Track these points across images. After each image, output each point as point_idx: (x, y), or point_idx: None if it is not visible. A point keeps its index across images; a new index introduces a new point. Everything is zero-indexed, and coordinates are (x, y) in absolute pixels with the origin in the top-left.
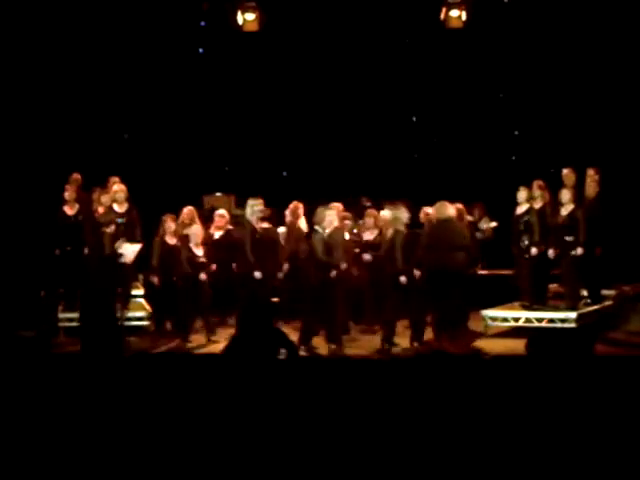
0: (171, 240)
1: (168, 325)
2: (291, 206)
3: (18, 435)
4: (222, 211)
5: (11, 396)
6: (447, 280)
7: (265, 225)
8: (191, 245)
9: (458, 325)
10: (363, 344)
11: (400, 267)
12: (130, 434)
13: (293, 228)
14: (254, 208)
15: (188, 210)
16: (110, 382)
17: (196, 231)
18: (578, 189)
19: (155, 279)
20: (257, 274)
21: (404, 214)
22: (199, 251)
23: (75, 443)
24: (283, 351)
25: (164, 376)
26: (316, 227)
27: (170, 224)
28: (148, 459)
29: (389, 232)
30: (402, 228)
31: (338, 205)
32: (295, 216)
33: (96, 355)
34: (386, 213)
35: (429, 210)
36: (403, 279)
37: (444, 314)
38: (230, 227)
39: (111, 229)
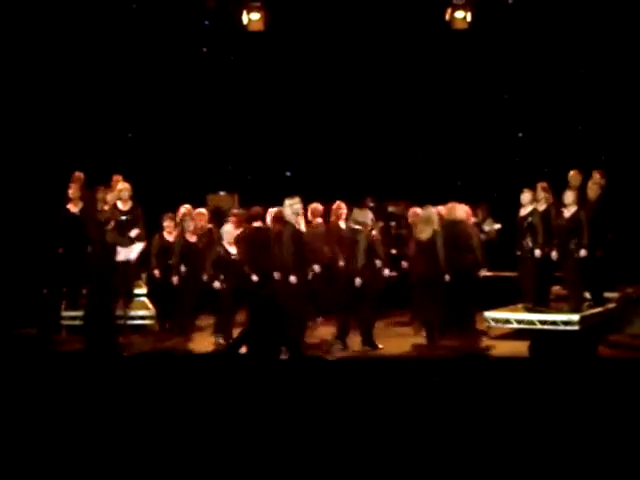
0: (192, 238)
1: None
2: (334, 206)
3: (19, 432)
4: (201, 210)
5: (12, 393)
6: (456, 281)
7: (258, 224)
8: (224, 243)
9: (465, 325)
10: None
11: (443, 267)
12: (131, 432)
13: (335, 228)
14: (294, 207)
15: (186, 209)
16: (113, 380)
17: (229, 229)
18: (581, 191)
19: (175, 278)
20: (293, 279)
21: (435, 214)
22: (232, 249)
23: (76, 440)
24: (284, 350)
25: (165, 375)
26: (357, 227)
27: (190, 222)
28: (149, 457)
29: (425, 233)
30: (438, 228)
31: (317, 205)
32: (337, 216)
33: (95, 353)
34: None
35: (418, 210)
36: (448, 277)
37: (451, 314)
38: (210, 225)
39: (111, 226)
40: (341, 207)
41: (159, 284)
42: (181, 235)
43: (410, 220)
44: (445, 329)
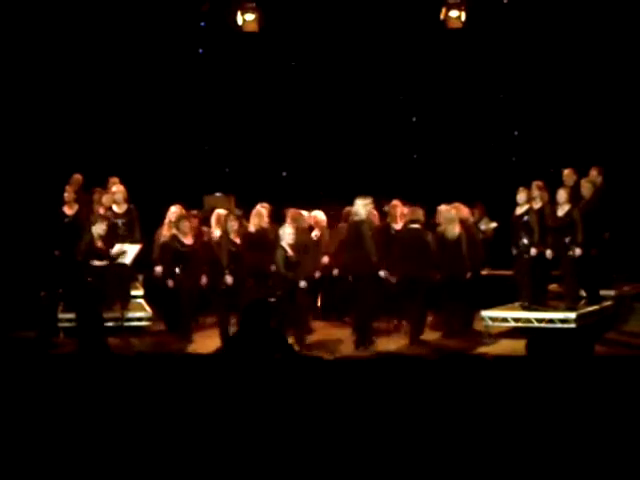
0: (236, 239)
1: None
2: (390, 205)
3: (17, 436)
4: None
5: (10, 396)
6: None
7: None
8: (283, 244)
9: (462, 325)
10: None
11: (468, 266)
12: (128, 435)
13: (385, 229)
14: (368, 207)
15: (178, 209)
16: (110, 382)
17: (289, 231)
18: (575, 189)
19: (229, 279)
20: (382, 273)
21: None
22: (292, 252)
23: (75, 443)
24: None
25: (164, 377)
26: (416, 226)
27: (233, 222)
28: (146, 459)
29: (452, 232)
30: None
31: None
32: (392, 216)
33: (87, 355)
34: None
35: (405, 210)
36: (469, 275)
37: (449, 314)
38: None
39: (101, 229)
40: (397, 206)
41: (164, 287)
42: (225, 236)
43: (438, 219)
44: (444, 329)
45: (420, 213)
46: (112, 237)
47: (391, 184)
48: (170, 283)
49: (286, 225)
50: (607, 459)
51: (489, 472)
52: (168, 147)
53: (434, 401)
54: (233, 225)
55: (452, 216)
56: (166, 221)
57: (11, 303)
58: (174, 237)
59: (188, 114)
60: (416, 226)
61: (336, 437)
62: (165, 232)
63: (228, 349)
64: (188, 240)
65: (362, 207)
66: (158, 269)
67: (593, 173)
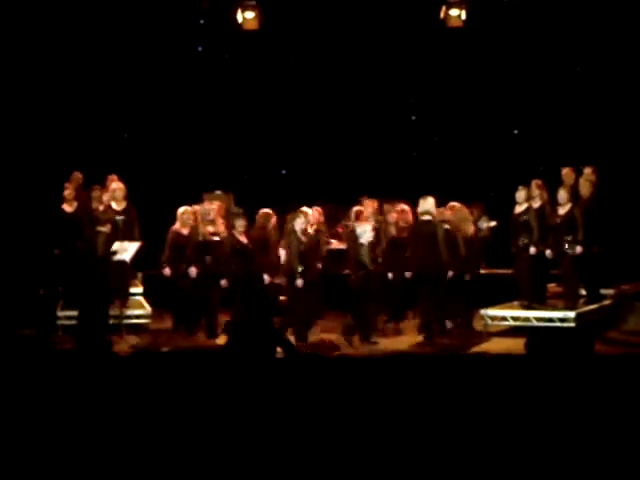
0: (304, 237)
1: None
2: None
3: (17, 432)
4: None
5: (10, 393)
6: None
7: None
8: (363, 242)
9: (462, 323)
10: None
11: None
12: (129, 432)
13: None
14: (434, 207)
15: (213, 206)
16: (110, 380)
17: (368, 228)
18: (575, 188)
19: (300, 281)
20: (451, 274)
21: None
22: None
23: (74, 440)
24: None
25: (163, 374)
26: (446, 226)
27: (302, 220)
28: (146, 456)
29: (470, 229)
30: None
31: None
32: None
33: (86, 352)
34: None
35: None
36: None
37: (450, 312)
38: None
39: (107, 228)
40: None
41: (188, 285)
42: (293, 235)
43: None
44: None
45: (462, 215)
46: (112, 235)
47: (390, 182)
48: (223, 283)
49: (365, 223)
50: (607, 458)
51: (488, 470)
52: (167, 145)
53: (434, 399)
54: (302, 223)
55: (466, 215)
56: (199, 218)
57: (10, 301)
58: (232, 236)
59: (187, 112)
60: (446, 226)
61: (335, 434)
62: (202, 229)
63: (231, 345)
64: (244, 238)
65: (432, 206)
66: (167, 271)
67: (587, 171)
